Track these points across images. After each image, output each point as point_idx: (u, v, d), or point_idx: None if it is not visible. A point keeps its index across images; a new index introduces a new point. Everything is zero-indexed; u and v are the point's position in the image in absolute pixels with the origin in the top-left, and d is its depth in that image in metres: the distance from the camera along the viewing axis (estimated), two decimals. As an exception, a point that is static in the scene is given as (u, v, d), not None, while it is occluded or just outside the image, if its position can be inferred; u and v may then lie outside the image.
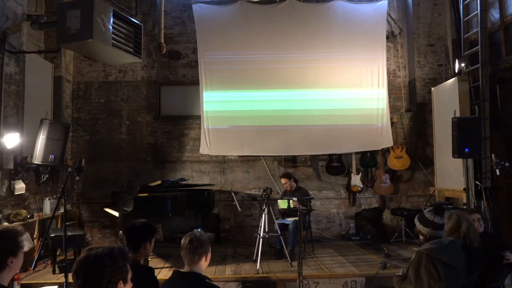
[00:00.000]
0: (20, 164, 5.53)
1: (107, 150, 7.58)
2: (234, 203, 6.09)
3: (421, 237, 2.90)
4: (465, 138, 5.57)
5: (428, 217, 2.84)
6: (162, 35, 7.32)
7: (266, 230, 5.51)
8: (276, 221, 5.92)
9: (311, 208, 6.38)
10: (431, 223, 2.82)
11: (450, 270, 2.50)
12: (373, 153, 7.51)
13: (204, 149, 7.38)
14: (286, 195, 6.31)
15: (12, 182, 5.40)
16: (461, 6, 6.69)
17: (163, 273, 5.08)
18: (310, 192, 6.75)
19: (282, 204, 5.86)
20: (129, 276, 1.53)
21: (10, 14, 5.21)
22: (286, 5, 7.51)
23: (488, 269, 3.19)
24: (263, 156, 7.58)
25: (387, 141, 7.32)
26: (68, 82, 7.48)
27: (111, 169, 7.51)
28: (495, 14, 6.22)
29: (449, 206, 6.03)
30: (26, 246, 5.26)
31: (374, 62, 7.47)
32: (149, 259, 5.37)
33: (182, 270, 2.47)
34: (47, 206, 6.24)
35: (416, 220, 2.94)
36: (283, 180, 6.37)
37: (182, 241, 2.46)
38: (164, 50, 7.37)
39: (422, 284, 2.55)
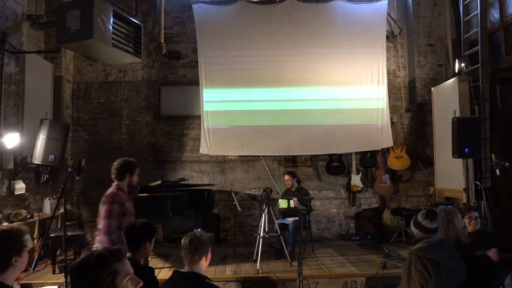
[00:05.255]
0: (20, 164, 5.53)
1: (107, 150, 7.57)
2: (234, 203, 6.09)
3: (413, 239, 2.91)
4: (465, 138, 5.57)
5: (418, 219, 2.83)
6: (162, 35, 7.32)
7: (266, 230, 5.51)
8: (276, 221, 5.92)
9: (311, 208, 6.38)
10: (418, 225, 2.81)
11: (441, 268, 2.50)
12: (373, 153, 7.51)
13: (204, 149, 7.38)
14: (286, 194, 6.31)
15: (12, 182, 5.40)
16: (461, 6, 6.68)
17: (163, 273, 5.07)
18: (310, 192, 6.74)
19: (283, 203, 5.86)
20: (121, 277, 1.40)
21: (10, 14, 5.21)
22: (286, 5, 7.51)
23: (483, 268, 3.19)
24: (263, 156, 7.58)
25: (387, 141, 7.32)
26: (68, 82, 7.48)
27: (111, 169, 7.48)
28: (495, 14, 6.22)
29: (449, 207, 6.02)
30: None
31: (374, 62, 7.47)
32: (149, 259, 5.37)
33: (182, 270, 2.47)
34: (47, 206, 6.24)
35: (411, 221, 2.95)
36: (286, 177, 6.38)
37: (182, 241, 2.46)
38: (164, 50, 7.37)
39: (415, 285, 2.55)
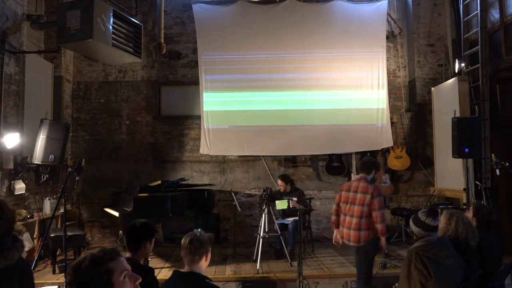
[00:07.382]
0: (20, 164, 5.53)
1: (107, 150, 7.58)
2: (234, 203, 6.09)
3: (414, 237, 2.91)
4: (465, 138, 5.57)
5: (420, 218, 2.83)
6: (162, 35, 7.32)
7: (266, 230, 5.51)
8: (276, 221, 5.92)
9: (311, 208, 6.37)
10: (422, 224, 2.82)
11: (441, 267, 2.49)
12: (373, 153, 7.50)
13: (204, 149, 7.38)
14: (282, 196, 6.28)
15: (12, 182, 5.40)
16: (461, 6, 6.68)
17: (163, 273, 5.08)
18: (310, 192, 6.75)
19: (281, 205, 5.85)
20: (117, 274, 1.39)
21: (10, 14, 5.21)
22: (286, 5, 7.51)
23: (485, 269, 3.18)
24: (263, 156, 7.58)
25: (387, 141, 7.32)
26: (68, 82, 7.49)
27: (111, 169, 7.50)
28: (495, 14, 6.22)
29: (449, 206, 6.03)
30: (26, 246, 5.26)
31: (374, 62, 7.47)
32: (149, 259, 5.37)
33: (182, 270, 2.47)
34: (47, 206, 6.24)
35: (410, 220, 2.96)
36: (279, 182, 6.36)
37: (182, 241, 2.46)
38: (164, 50, 7.37)
39: (415, 283, 2.54)
